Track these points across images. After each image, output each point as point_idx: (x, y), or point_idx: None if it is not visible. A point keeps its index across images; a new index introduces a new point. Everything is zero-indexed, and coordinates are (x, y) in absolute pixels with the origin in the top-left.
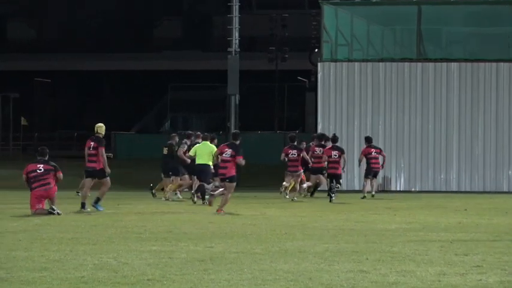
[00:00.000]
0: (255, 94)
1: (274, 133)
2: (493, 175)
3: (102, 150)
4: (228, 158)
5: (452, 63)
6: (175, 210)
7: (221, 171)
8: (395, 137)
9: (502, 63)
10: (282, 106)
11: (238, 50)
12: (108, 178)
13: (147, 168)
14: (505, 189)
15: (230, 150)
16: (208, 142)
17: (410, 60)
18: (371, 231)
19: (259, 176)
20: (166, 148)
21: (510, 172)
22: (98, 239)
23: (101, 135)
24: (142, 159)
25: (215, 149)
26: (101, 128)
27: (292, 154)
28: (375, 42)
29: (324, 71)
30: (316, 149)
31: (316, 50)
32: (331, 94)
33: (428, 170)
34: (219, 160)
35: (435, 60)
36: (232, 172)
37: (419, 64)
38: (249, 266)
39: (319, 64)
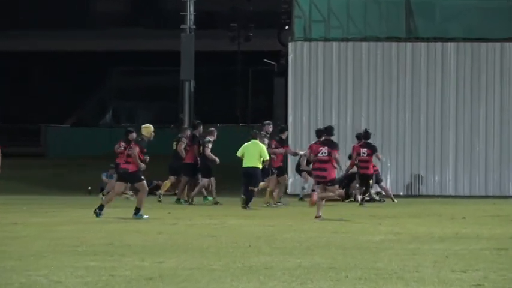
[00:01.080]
0: (214, 80)
1: (236, 126)
2: (496, 177)
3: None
4: (326, 158)
5: (449, 43)
6: (118, 219)
7: (318, 173)
8: (380, 131)
9: (507, 43)
10: (245, 94)
11: (194, 27)
12: (144, 181)
13: (84, 169)
14: (511, 193)
15: (326, 148)
16: (257, 141)
17: (398, 39)
18: (351, 243)
19: (217, 176)
20: (176, 143)
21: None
22: (24, 253)
23: (146, 138)
24: (78, 157)
25: (264, 148)
26: (145, 128)
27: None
28: (356, 18)
29: (296, 53)
30: (362, 150)
31: (287, 27)
32: (304, 80)
33: (419, 170)
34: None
35: (428, 40)
36: (333, 174)
37: (409, 44)
38: (206, 285)
39: (289, 44)
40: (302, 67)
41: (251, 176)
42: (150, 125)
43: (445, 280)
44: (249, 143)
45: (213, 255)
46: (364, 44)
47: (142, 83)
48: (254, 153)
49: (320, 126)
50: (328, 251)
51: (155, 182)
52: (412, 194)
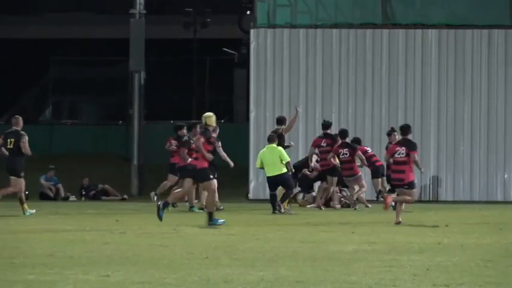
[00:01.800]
0: (167, 71)
1: (192, 122)
2: (483, 180)
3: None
4: (404, 159)
5: (430, 29)
6: (60, 228)
7: (395, 175)
8: (353, 129)
9: (495, 30)
10: (202, 87)
11: (144, 12)
12: (213, 181)
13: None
14: (499, 198)
15: (404, 148)
16: (273, 145)
17: (374, 25)
18: (321, 254)
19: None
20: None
21: (506, 176)
22: None
23: (211, 128)
24: None
25: (283, 151)
26: (210, 118)
27: (343, 154)
28: (327, 2)
29: (259, 41)
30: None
31: (248, 12)
32: (267, 71)
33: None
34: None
35: (407, 26)
36: (411, 176)
37: (386, 31)
38: None
39: (251, 31)
40: (265, 57)
41: (279, 184)
42: (212, 114)
43: None
44: (265, 149)
45: (165, 267)
46: (335, 31)
47: (86, 75)
48: (274, 159)
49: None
50: (294, 263)
51: (101, 186)
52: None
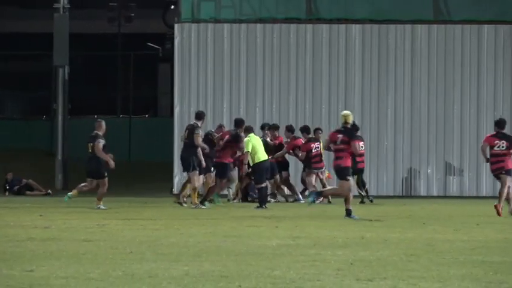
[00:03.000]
0: (91, 66)
1: (116, 118)
2: (405, 174)
3: (355, 144)
4: (504, 151)
5: (354, 25)
6: None
7: (497, 165)
8: (277, 123)
9: (418, 25)
10: (126, 82)
11: (68, 6)
12: (350, 180)
13: None
14: (422, 192)
15: (504, 141)
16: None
17: (298, 20)
18: (245, 249)
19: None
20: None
21: (429, 170)
22: None
23: (348, 126)
24: None
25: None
26: (348, 116)
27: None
28: None
29: (183, 35)
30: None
31: (173, 6)
32: (192, 66)
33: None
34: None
35: (331, 21)
36: (510, 164)
37: (310, 26)
38: None
39: (176, 26)
40: (190, 51)
41: (268, 170)
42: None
43: None
44: (252, 135)
45: (89, 262)
46: (259, 25)
47: (9, 70)
48: (261, 145)
49: (209, 118)
50: (218, 258)
51: (24, 181)
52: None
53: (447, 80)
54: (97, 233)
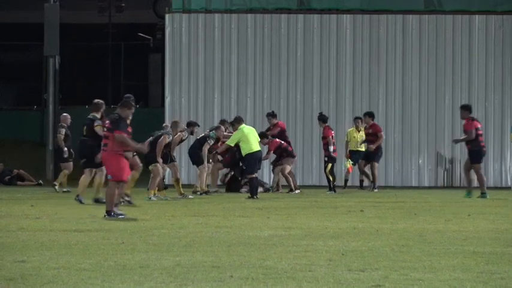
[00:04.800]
0: (81, 56)
1: (107, 108)
2: (397, 165)
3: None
4: None
5: (345, 15)
6: None
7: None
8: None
9: (409, 15)
10: (117, 72)
11: None
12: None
13: None
14: (414, 183)
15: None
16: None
17: (289, 10)
18: (237, 239)
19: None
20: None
21: (420, 161)
22: None
23: None
24: None
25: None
26: None
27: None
28: None
29: (174, 26)
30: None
31: None
32: (183, 56)
33: (312, 158)
34: None
35: (322, 11)
36: None
37: (301, 16)
38: (74, 287)
39: (167, 16)
40: (181, 42)
41: (260, 161)
42: None
43: (341, 280)
44: (244, 125)
45: (81, 252)
46: (249, 16)
47: (0, 60)
48: (255, 135)
49: (200, 108)
50: (210, 248)
51: (15, 171)
52: (303, 183)
53: (438, 70)
54: (88, 223)
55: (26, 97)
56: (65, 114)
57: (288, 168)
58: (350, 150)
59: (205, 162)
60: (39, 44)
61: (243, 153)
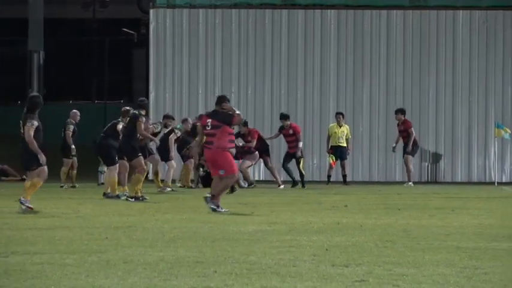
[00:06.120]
0: (66, 51)
1: (91, 103)
2: (381, 161)
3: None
4: None
5: (329, 10)
6: None
7: None
8: (252, 110)
9: (394, 11)
10: (101, 67)
11: None
12: None
13: None
14: (398, 178)
15: None
16: None
17: (273, 6)
18: (221, 234)
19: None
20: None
21: (392, 153)
22: None
23: None
24: None
25: None
26: None
27: None
28: None
29: (158, 21)
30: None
31: None
32: (167, 51)
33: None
34: None
35: (306, 7)
36: None
37: (285, 11)
38: (58, 283)
39: (151, 11)
40: (165, 37)
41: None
42: None
43: (325, 275)
44: None
45: (65, 248)
46: (234, 11)
47: None
48: None
49: (185, 103)
50: (194, 243)
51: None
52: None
53: (422, 65)
54: (72, 218)
55: (11, 92)
56: (74, 110)
57: (248, 163)
58: (331, 146)
59: (172, 153)
60: (23, 39)
61: None
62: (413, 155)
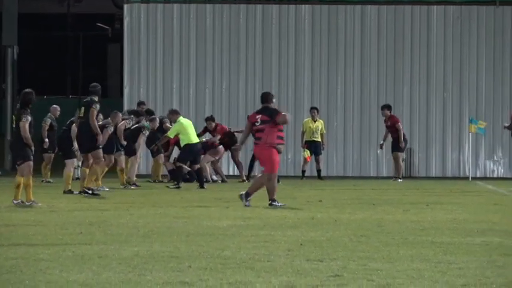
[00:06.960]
0: (40, 46)
1: (65, 98)
2: (356, 155)
3: None
4: None
5: (303, 5)
6: None
7: None
8: (226, 106)
9: (368, 6)
10: (76, 62)
11: None
12: None
13: None
14: (372, 173)
15: None
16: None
17: (248, 1)
18: (195, 229)
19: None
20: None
21: (379, 151)
22: None
23: None
24: None
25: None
26: None
27: None
28: None
29: (132, 16)
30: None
31: None
32: (141, 46)
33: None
34: None
35: (281, 2)
36: None
37: (259, 6)
38: (32, 277)
39: (125, 6)
40: (139, 32)
41: (198, 153)
42: None
43: (300, 270)
44: (181, 118)
45: (39, 243)
46: (208, 6)
47: None
48: (192, 127)
49: (159, 98)
50: (169, 238)
51: None
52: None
53: (396, 60)
54: (47, 213)
55: None
56: (55, 106)
57: (209, 158)
58: (306, 141)
59: (138, 153)
60: None
61: (182, 144)
62: (402, 151)
